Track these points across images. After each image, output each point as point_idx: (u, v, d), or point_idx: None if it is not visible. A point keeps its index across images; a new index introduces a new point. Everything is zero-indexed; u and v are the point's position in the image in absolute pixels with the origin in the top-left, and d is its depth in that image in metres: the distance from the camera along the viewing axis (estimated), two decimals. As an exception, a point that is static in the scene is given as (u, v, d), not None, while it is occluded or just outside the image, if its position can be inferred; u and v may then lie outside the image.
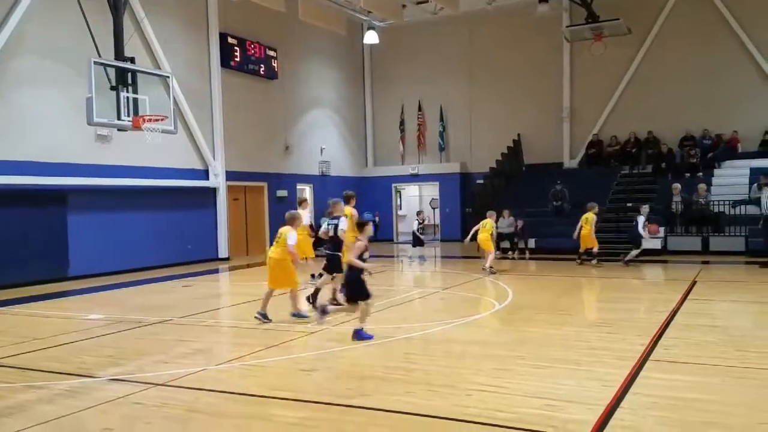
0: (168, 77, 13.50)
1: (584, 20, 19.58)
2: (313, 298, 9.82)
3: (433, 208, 26.28)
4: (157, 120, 12.02)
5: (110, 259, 15.79)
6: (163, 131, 12.42)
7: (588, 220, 15.72)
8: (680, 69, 21.34)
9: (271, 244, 9.60)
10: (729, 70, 20.76)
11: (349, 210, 10.87)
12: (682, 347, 7.19)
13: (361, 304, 7.87)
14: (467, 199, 23.11)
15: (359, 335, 7.78)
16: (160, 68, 16.44)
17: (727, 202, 17.70)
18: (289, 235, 8.90)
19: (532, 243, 18.52)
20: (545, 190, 20.15)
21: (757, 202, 17.20)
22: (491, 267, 14.40)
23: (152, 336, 8.58)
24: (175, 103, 15.50)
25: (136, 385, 6.14)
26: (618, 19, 18.94)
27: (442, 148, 25.54)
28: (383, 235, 25.36)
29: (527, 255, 18.18)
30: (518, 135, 23.69)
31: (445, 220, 25.09)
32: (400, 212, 27.32)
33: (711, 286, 12.12)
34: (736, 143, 20.41)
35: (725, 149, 20.36)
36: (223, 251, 19.13)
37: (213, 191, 19.06)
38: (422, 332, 8.22)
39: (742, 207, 17.46)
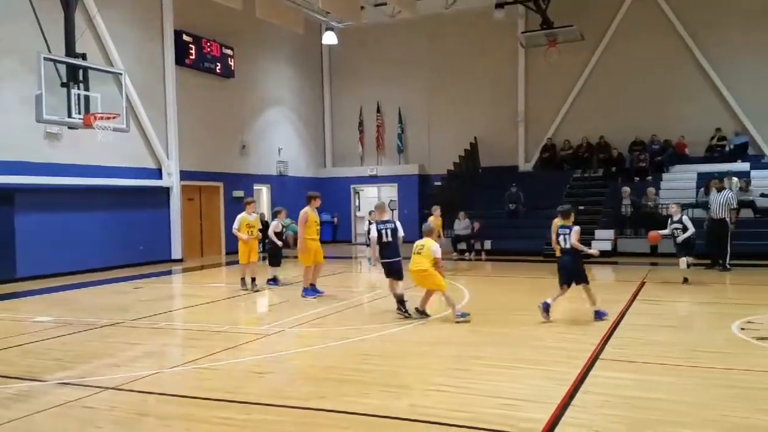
0: (121, 74, 13.24)
1: (539, 26, 19.95)
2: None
3: (392, 210, 26.33)
4: (108, 118, 11.77)
5: (60, 260, 15.33)
6: (115, 129, 12.18)
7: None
8: (631, 75, 21.93)
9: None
10: (678, 77, 21.43)
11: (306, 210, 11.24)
12: (631, 346, 7.39)
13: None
14: (425, 201, 23.26)
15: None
16: (112, 65, 16.08)
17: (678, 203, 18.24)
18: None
19: (488, 244, 18.77)
20: (501, 193, 20.46)
21: (704, 205, 17.79)
22: None
23: (103, 339, 8.38)
24: (128, 101, 15.21)
25: (87, 389, 5.99)
26: (572, 25, 19.37)
27: (400, 150, 25.66)
28: (342, 236, 25.34)
29: (483, 256, 18.41)
30: (475, 138, 23.97)
31: (403, 221, 25.10)
32: (358, 213, 27.30)
33: (659, 286, 12.49)
34: (683, 148, 21.09)
35: (673, 154, 21.01)
36: (176, 252, 18.80)
37: (166, 191, 18.71)
38: (380, 333, 8.25)
39: (690, 210, 18.03)
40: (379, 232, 9.47)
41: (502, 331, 8.43)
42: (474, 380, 6.05)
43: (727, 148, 20.47)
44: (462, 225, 18.54)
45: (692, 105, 21.24)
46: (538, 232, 18.91)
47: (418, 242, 9.21)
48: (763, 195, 18.10)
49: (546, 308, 8.87)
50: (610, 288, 13.44)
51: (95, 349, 7.80)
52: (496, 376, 6.16)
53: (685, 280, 12.21)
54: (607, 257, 17.05)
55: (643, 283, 12.53)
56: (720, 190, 15.11)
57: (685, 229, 12.27)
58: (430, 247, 9.00)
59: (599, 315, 8.88)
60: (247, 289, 12.25)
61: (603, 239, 17.69)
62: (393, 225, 9.57)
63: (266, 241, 13.79)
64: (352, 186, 26.13)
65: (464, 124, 24.03)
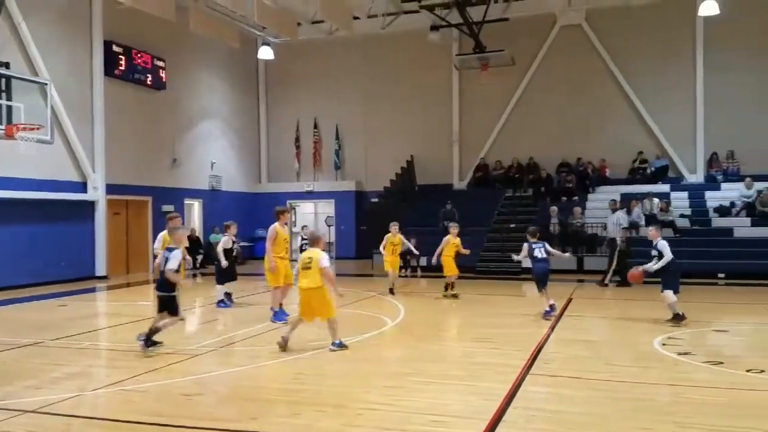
0: (46, 85, 12.75)
1: (472, 50, 20.48)
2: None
3: (329, 226, 26.28)
4: (32, 129, 11.32)
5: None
6: (39, 141, 11.73)
7: (450, 243, 13.89)
8: (559, 99, 22.76)
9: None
10: (603, 102, 22.39)
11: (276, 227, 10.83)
12: (559, 361, 7.61)
13: None
14: (362, 217, 23.36)
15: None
16: (38, 75, 15.46)
17: (600, 225, 18.99)
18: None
19: (423, 261, 18.95)
20: (436, 210, 20.75)
21: (630, 225, 18.56)
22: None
23: (23, 359, 7.96)
24: (53, 111, 14.66)
25: (4, 412, 5.67)
26: (503, 50, 19.98)
27: (337, 167, 25.67)
28: (275, 252, 24.99)
29: (419, 273, 18.57)
30: (411, 156, 24.26)
31: (340, 237, 25.15)
32: (294, 229, 27.07)
33: (585, 303, 12.93)
34: (605, 170, 22.00)
35: (597, 176, 21.88)
36: (100, 269, 18.11)
37: (91, 205, 18.05)
38: (314, 351, 8.17)
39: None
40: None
41: (435, 347, 8.52)
42: (406, 398, 6.07)
43: (648, 171, 21.49)
44: (398, 241, 18.61)
45: (616, 129, 22.21)
46: (471, 248, 19.25)
47: (305, 254, 8.14)
48: (682, 216, 19.05)
49: (552, 309, 10.30)
50: (538, 303, 13.79)
51: (14, 370, 7.40)
52: (428, 393, 6.21)
53: (677, 317, 9.92)
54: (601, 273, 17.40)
55: (570, 300, 12.93)
56: (614, 210, 16.19)
57: (660, 256, 10.21)
58: (318, 258, 7.95)
59: (548, 313, 10.16)
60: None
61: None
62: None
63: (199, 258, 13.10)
64: (288, 202, 25.86)
65: (401, 142, 24.30)
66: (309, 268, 7.85)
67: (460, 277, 15.48)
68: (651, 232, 10.69)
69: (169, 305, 8.05)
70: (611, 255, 15.65)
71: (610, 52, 22.19)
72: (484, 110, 23.67)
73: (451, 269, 13.69)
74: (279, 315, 10.46)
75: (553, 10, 22.02)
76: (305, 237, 18.86)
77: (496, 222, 20.64)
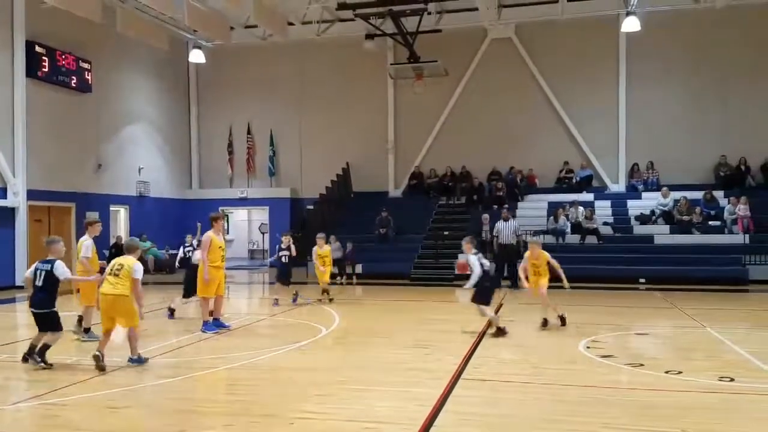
0: (-39, 84, 12.08)
1: (407, 59, 20.73)
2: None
3: (263, 233, 25.94)
4: (-55, 131, 10.66)
5: None
6: (-47, 144, 11.06)
7: (317, 254, 14.10)
8: (490, 110, 23.30)
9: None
10: (531, 113, 23.08)
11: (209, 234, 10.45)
12: (489, 365, 7.79)
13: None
14: (298, 224, 23.16)
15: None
16: (-49, 73, 14.66)
17: (529, 232, 19.51)
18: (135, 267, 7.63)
19: (359, 268, 19.00)
20: (372, 217, 20.85)
21: (553, 231, 19.20)
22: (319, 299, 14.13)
23: (-70, 377, 7.49)
24: (-31, 112, 13.90)
25: None
26: (436, 60, 20.32)
27: (272, 173, 25.38)
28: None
29: (354, 280, 18.58)
30: (347, 163, 24.29)
31: (274, 245, 24.80)
32: (227, 237, 26.60)
33: (515, 307, 13.25)
34: (534, 179, 22.68)
35: (526, 185, 22.52)
36: (21, 278, 17.23)
37: (11, 211, 17.21)
38: (247, 361, 8.05)
39: (541, 236, 19.33)
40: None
41: (370, 354, 8.55)
42: (340, 406, 6.08)
43: (574, 180, 22.28)
44: (333, 248, 18.57)
45: (544, 139, 22.94)
46: (406, 255, 19.49)
47: (117, 260, 7.76)
48: (605, 223, 19.83)
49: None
50: (472, 309, 14.05)
51: None
52: (362, 401, 6.24)
53: (500, 330, 9.78)
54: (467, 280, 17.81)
55: (501, 305, 13.23)
56: (506, 219, 17.13)
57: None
58: (131, 266, 7.61)
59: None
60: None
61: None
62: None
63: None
64: (220, 208, 25.37)
65: (337, 148, 24.29)
66: (118, 275, 7.58)
67: (396, 285, 15.64)
68: (465, 245, 10.07)
69: (50, 322, 7.70)
70: (507, 259, 16.62)
71: (538, 65, 22.91)
72: (418, 119, 23.98)
73: (320, 278, 14.03)
74: (210, 326, 10.26)
75: (484, 23, 22.56)
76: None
77: (430, 229, 20.91)
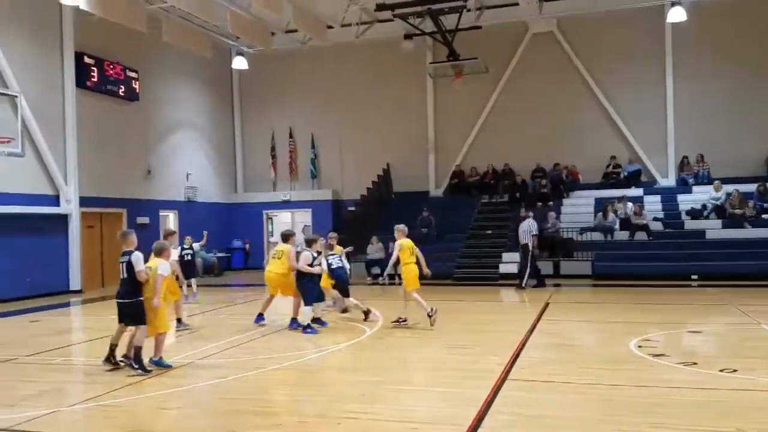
0: (16, 97, 12.55)
1: (446, 58, 20.62)
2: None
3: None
4: (2, 142, 11.12)
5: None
6: (9, 154, 11.53)
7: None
8: (532, 105, 22.99)
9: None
10: (576, 107, 22.68)
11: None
12: (537, 366, 7.68)
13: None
14: (339, 226, 23.27)
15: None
16: (7, 87, 15.22)
17: (575, 229, 19.23)
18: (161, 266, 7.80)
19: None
20: (413, 218, 20.78)
21: (601, 228, 18.84)
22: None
23: (-7, 378, 7.81)
24: (24, 124, 14.44)
25: (-27, 434, 5.56)
26: (476, 58, 20.15)
27: (314, 176, 25.60)
28: (254, 263, 24.85)
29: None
30: (388, 164, 24.32)
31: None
32: (271, 239, 26.95)
33: (562, 307, 13.05)
34: (577, 176, 22.28)
35: (572, 180, 22.14)
36: (75, 283, 17.83)
37: (64, 218, 17.77)
38: (294, 362, 8.14)
39: (589, 233, 19.04)
40: None
41: (414, 355, 8.54)
42: (385, 406, 6.08)
43: (621, 175, 21.80)
44: (374, 249, 18.67)
45: (589, 134, 22.50)
46: (449, 255, 19.39)
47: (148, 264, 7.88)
48: (655, 219, 19.36)
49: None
50: (516, 309, 13.92)
51: (-16, 390, 7.25)
52: (408, 401, 6.23)
53: (366, 313, 11.12)
54: (514, 279, 17.61)
55: (547, 304, 13.04)
56: (524, 219, 16.61)
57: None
58: (157, 267, 7.75)
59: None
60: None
61: (509, 262, 18.30)
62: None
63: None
64: (264, 211, 25.80)
65: (377, 150, 24.35)
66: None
67: (439, 285, 15.59)
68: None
69: (134, 313, 7.74)
70: (524, 260, 16.21)
71: (581, 59, 22.51)
72: (458, 117, 23.83)
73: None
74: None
75: (525, 18, 22.28)
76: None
77: (472, 228, 20.76)
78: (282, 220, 28.52)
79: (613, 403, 6.07)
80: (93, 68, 18.76)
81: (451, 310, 13.26)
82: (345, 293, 11.36)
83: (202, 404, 6.57)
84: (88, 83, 18.59)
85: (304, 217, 26.12)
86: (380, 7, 18.81)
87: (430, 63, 22.46)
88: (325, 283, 11.28)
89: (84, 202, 18.24)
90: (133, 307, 7.70)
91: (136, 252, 7.75)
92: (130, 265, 7.66)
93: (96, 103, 19.02)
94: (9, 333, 11.41)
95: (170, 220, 22.74)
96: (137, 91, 20.46)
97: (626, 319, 11.07)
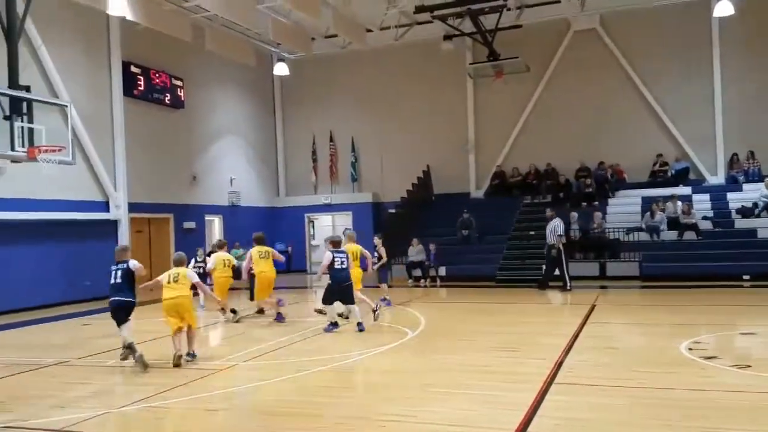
0: (66, 106, 12.96)
1: (486, 58, 20.46)
2: None
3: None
4: (53, 150, 11.50)
5: (5, 297, 14.73)
6: (60, 162, 11.90)
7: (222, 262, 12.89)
8: (575, 104, 22.64)
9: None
10: (621, 105, 22.21)
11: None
12: (584, 369, 7.53)
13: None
14: (380, 228, 23.33)
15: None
16: (57, 97, 15.73)
17: (622, 230, 18.82)
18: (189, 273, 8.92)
19: (442, 270, 18.91)
20: (454, 219, 20.70)
21: (650, 228, 18.41)
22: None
23: (48, 379, 8.07)
24: (74, 133, 14.87)
25: (30, 433, 5.75)
26: (517, 57, 19.92)
27: (354, 179, 25.74)
28: (296, 265, 25.14)
29: (438, 282, 18.51)
30: (428, 166, 24.25)
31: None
32: (313, 242, 27.20)
33: (608, 309, 12.79)
34: (622, 174, 21.80)
35: (617, 180, 21.69)
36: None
37: (114, 224, 18.27)
38: (335, 364, 8.18)
39: (635, 234, 18.61)
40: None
41: (457, 357, 8.47)
42: (429, 409, 6.05)
43: (669, 173, 21.25)
44: (415, 251, 18.65)
45: (635, 132, 22.01)
46: (491, 256, 19.23)
47: (173, 271, 8.81)
48: (704, 218, 18.81)
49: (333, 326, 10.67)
50: (562, 311, 13.70)
51: (40, 390, 7.50)
52: (451, 404, 6.18)
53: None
54: (559, 281, 17.35)
55: (594, 306, 12.80)
56: (550, 218, 16.40)
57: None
58: (186, 273, 8.90)
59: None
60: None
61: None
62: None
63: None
64: (306, 215, 26.04)
65: (417, 152, 24.31)
66: (177, 281, 8.71)
67: (481, 286, 15.47)
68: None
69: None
70: (552, 261, 16.11)
71: (626, 55, 22.06)
72: (499, 117, 23.62)
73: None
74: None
75: (567, 15, 21.96)
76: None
77: (515, 230, 20.52)
78: (323, 223, 28.77)
79: (664, 407, 5.90)
80: (140, 77, 19.25)
81: (494, 312, 13.15)
82: (343, 297, 10.98)
83: (248, 406, 6.66)
84: (135, 92, 19.08)
85: (345, 220, 26.28)
86: (419, 9, 18.80)
87: (470, 63, 22.31)
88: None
89: (132, 207, 18.71)
90: (129, 306, 8.74)
91: (132, 260, 8.84)
92: (126, 272, 8.66)
93: (143, 111, 19.51)
94: (62, 336, 11.77)
95: (215, 225, 23.16)
96: (182, 98, 20.92)
97: (676, 321, 10.79)
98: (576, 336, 9.56)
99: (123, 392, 7.64)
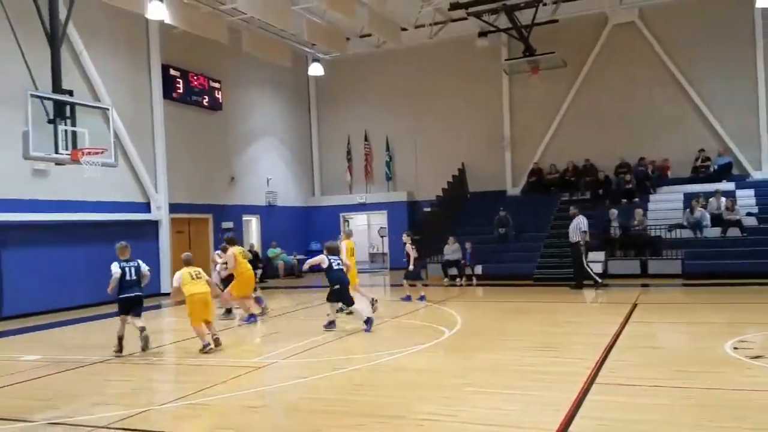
0: (108, 110, 13.23)
1: (522, 53, 20.22)
2: None
3: (382, 237, 26.40)
4: (96, 153, 11.74)
5: (48, 297, 15.16)
6: (103, 164, 12.14)
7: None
8: (614, 99, 22.22)
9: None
10: (661, 99, 21.72)
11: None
12: (626, 369, 7.38)
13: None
14: (415, 227, 23.30)
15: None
16: (99, 100, 16.10)
17: (663, 227, 18.39)
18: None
19: (479, 269, 18.76)
20: (490, 217, 20.52)
21: (692, 225, 17.96)
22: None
23: (92, 376, 8.26)
24: (116, 135, 15.18)
25: (76, 428, 5.89)
26: (554, 52, 19.65)
27: (389, 178, 25.75)
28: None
29: (474, 281, 18.37)
30: (463, 164, 24.11)
31: (393, 248, 25.16)
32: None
33: (651, 308, 12.51)
34: (667, 170, 21.30)
35: (658, 176, 21.21)
36: (165, 286, 18.60)
37: (155, 224, 18.62)
38: (372, 362, 8.19)
39: (678, 231, 18.18)
40: None
41: (494, 357, 8.39)
42: (467, 408, 6.00)
43: (711, 169, 20.70)
44: (451, 249, 18.52)
45: (676, 127, 21.51)
46: (528, 255, 19.00)
47: (194, 269, 9.86)
48: (749, 214, 18.27)
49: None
50: (602, 310, 13.46)
51: (84, 387, 7.68)
52: (490, 404, 6.12)
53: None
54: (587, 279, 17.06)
55: (635, 305, 12.54)
56: (574, 216, 16.00)
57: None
58: (202, 271, 9.99)
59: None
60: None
61: (594, 261, 17.73)
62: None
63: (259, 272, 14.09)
64: (341, 214, 26.15)
65: (451, 150, 24.19)
66: (200, 278, 9.77)
67: (518, 285, 15.29)
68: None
69: None
70: (577, 258, 15.80)
71: (666, 49, 21.55)
72: (535, 114, 23.34)
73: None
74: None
75: (605, 8, 21.57)
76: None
77: (553, 227, 20.24)
78: (358, 222, 28.88)
79: (709, 407, 5.75)
80: (178, 80, 19.59)
81: (532, 311, 12.99)
82: (339, 298, 11.13)
83: (286, 403, 6.71)
84: (174, 95, 19.41)
85: (380, 219, 26.33)
86: (454, 6, 18.70)
87: (506, 60, 22.07)
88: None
89: (173, 208, 19.06)
90: (143, 299, 9.91)
91: (138, 260, 9.96)
92: (138, 269, 9.74)
93: (182, 114, 19.85)
94: (106, 334, 12.01)
95: (252, 224, 23.44)
96: (220, 100, 21.22)
97: (720, 320, 10.50)
98: (617, 335, 9.37)
99: (164, 389, 7.78)
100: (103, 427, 5.90)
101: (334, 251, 11.34)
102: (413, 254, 14.74)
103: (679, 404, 5.91)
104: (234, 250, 12.69)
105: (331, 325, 10.97)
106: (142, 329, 9.47)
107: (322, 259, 11.01)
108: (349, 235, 13.36)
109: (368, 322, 10.63)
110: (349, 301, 11.18)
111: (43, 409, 6.67)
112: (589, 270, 15.72)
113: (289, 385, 7.35)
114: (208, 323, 9.55)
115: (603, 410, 5.78)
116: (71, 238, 15.91)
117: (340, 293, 10.95)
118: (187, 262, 10.10)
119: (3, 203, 14.28)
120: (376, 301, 12.62)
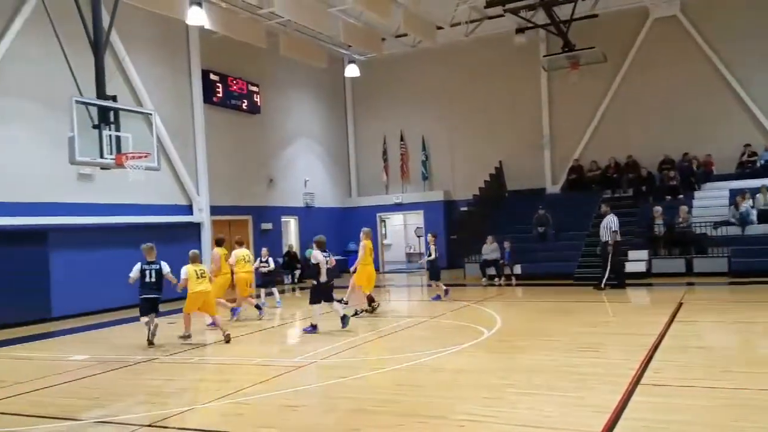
0: (151, 114, 13.50)
1: (561, 49, 19.93)
2: None
3: (418, 237, 26.32)
4: (140, 157, 11.99)
5: (94, 298, 15.56)
6: (147, 168, 12.39)
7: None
8: (656, 94, 21.73)
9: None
10: (704, 93, 21.15)
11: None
12: (671, 370, 7.20)
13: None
14: (452, 227, 23.19)
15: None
16: (142, 105, 16.46)
17: (709, 224, 17.90)
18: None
19: (518, 269, 18.56)
20: (529, 216, 20.27)
21: (739, 221, 17.44)
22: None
23: (138, 376, 8.44)
24: (158, 139, 15.47)
25: (122, 427, 6.02)
26: (593, 47, 19.30)
27: (425, 177, 25.68)
28: (369, 265, 25.27)
29: (513, 281, 18.19)
30: (500, 162, 23.89)
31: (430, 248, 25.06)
32: (385, 241, 27.34)
33: (697, 307, 12.19)
34: (711, 166, 20.72)
35: (703, 172, 20.65)
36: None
37: (197, 226, 18.95)
38: (412, 362, 8.16)
39: (724, 228, 17.68)
40: None
41: (535, 357, 8.28)
42: (508, 409, 5.94)
43: (758, 164, 20.05)
44: (489, 249, 18.36)
45: (720, 121, 20.92)
46: (568, 254, 18.70)
47: (200, 267, 10.61)
48: (799, 210, 17.66)
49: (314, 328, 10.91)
50: (646, 309, 13.17)
51: (130, 387, 7.86)
52: (531, 405, 6.04)
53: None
54: (642, 278, 16.73)
55: (680, 304, 12.24)
56: (605, 214, 15.66)
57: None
58: (206, 270, 10.81)
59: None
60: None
61: (637, 260, 17.39)
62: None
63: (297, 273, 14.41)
64: (378, 215, 26.19)
65: (489, 148, 24.00)
66: (204, 277, 10.62)
67: (559, 285, 15.04)
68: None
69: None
70: (605, 258, 15.44)
71: (709, 42, 20.99)
72: (575, 110, 22.98)
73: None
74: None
75: (645, 2, 21.12)
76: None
77: (594, 226, 19.86)
78: (394, 222, 28.89)
79: (758, 408, 5.57)
80: (218, 84, 19.91)
81: (573, 311, 12.78)
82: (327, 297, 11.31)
83: (326, 403, 6.74)
84: (214, 99, 19.74)
85: (417, 219, 26.28)
86: (491, 4, 18.50)
87: (544, 56, 21.76)
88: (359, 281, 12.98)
89: (214, 210, 19.37)
90: (159, 300, 10.58)
91: (162, 261, 10.69)
92: (159, 271, 10.57)
93: (222, 117, 20.16)
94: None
95: (291, 225, 23.64)
96: (258, 104, 21.49)
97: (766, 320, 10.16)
98: (662, 335, 9.15)
99: (206, 388, 7.90)
100: (148, 426, 6.02)
101: (323, 245, 11.69)
102: (434, 254, 15.28)
103: (725, 405, 5.74)
104: (219, 251, 13.31)
105: (312, 329, 10.93)
106: (155, 329, 10.49)
107: (320, 257, 11.27)
108: (368, 235, 13.43)
109: (344, 319, 10.88)
110: (330, 299, 11.25)
111: (90, 408, 6.84)
112: (608, 272, 15.33)
113: (329, 384, 7.39)
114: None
115: (647, 412, 5.65)
116: (116, 241, 16.29)
117: (321, 293, 11.08)
118: (194, 260, 10.79)
119: (50, 207, 14.71)
120: (376, 301, 13.07)
